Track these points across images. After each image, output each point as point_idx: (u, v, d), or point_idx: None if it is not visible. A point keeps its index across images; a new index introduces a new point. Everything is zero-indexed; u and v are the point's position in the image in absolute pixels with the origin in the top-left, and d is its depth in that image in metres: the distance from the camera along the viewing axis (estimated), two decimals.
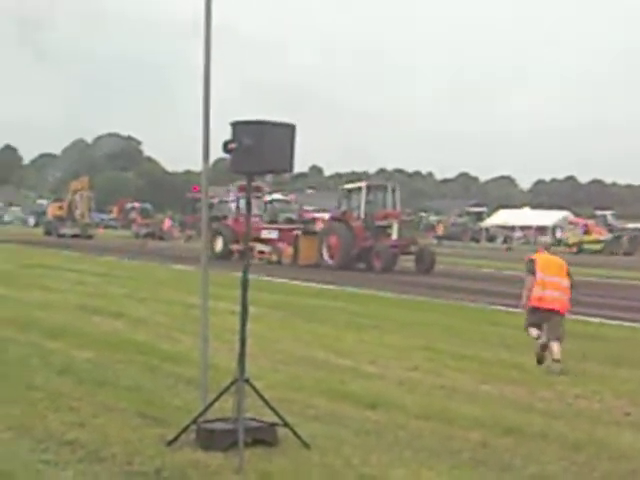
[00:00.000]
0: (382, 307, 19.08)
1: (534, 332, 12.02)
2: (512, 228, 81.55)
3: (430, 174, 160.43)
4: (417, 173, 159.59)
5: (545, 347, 11.73)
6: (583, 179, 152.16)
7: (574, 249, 63.45)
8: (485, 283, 28.63)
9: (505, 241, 76.85)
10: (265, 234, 39.03)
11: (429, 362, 11.82)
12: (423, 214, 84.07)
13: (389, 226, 35.32)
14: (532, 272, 12.16)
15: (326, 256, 35.35)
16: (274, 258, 38.02)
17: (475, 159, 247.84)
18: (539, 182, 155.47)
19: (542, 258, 12.50)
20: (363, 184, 36.81)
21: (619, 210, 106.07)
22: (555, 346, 11.60)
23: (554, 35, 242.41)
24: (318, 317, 16.55)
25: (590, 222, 78.42)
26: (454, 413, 8.62)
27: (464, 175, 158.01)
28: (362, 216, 35.61)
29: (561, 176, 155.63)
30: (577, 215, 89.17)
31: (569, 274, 12.24)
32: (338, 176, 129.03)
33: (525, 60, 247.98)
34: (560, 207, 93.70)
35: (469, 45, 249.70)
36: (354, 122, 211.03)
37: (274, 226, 42.10)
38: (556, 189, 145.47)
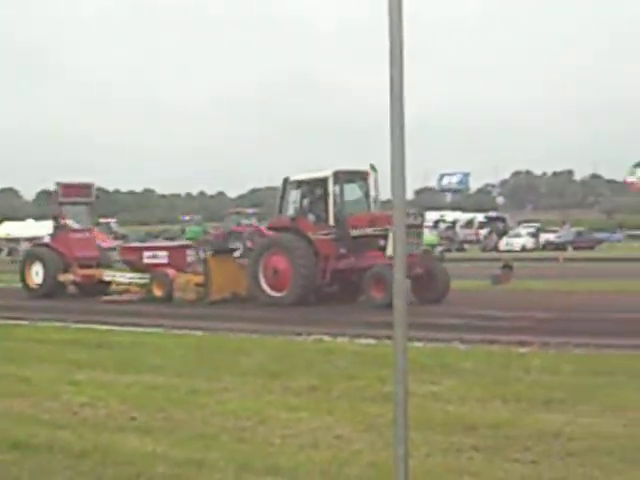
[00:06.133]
0: None
1: None
2: (17, 240, 79.52)
3: None
4: None
5: None
6: None
7: None
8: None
9: (10, 253, 74.66)
10: (148, 257, 26.82)
11: None
12: None
13: (379, 236, 22.58)
14: None
15: (266, 286, 23.50)
16: (158, 293, 25.33)
17: None
18: (42, 192, 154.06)
19: None
20: (329, 172, 23.42)
21: (123, 216, 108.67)
22: None
23: None
24: None
25: (95, 229, 78.57)
26: None
27: None
28: (331, 222, 23.45)
29: None
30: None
31: None
32: None
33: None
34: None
35: None
36: None
37: (160, 245, 31.14)
38: None
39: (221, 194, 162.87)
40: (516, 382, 10.42)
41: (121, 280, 27.01)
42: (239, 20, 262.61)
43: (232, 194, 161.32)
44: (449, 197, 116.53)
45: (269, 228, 25.88)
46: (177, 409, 9.42)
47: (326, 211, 23.41)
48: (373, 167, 23.41)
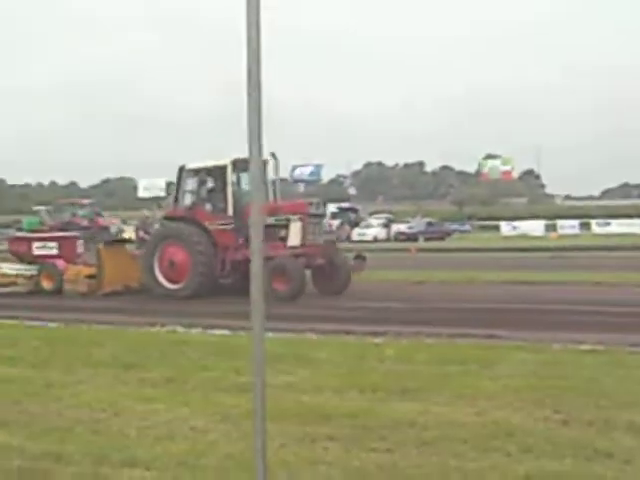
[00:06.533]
0: None
1: None
2: None
3: None
4: None
5: None
6: None
7: None
8: None
9: None
10: (37, 248, 25.15)
11: None
12: None
13: (280, 226, 21.68)
14: None
15: (162, 278, 22.64)
16: (47, 285, 24.29)
17: None
18: None
19: None
20: (228, 160, 22.34)
21: None
22: None
23: None
24: None
25: None
26: None
27: None
28: (230, 212, 22.42)
29: None
30: None
31: None
32: None
33: None
34: None
35: None
36: None
37: (50, 235, 27.50)
38: None
39: (73, 184, 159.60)
40: (371, 372, 10.55)
41: (7, 272, 25.27)
42: None
43: (84, 184, 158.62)
44: (302, 188, 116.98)
45: (165, 218, 24.49)
46: (32, 402, 9.23)
47: (224, 200, 22.47)
48: (274, 155, 22.33)
